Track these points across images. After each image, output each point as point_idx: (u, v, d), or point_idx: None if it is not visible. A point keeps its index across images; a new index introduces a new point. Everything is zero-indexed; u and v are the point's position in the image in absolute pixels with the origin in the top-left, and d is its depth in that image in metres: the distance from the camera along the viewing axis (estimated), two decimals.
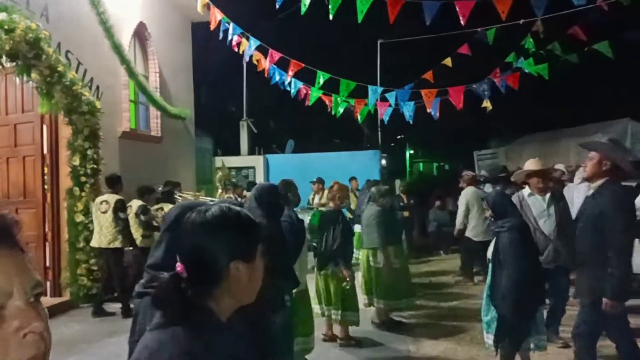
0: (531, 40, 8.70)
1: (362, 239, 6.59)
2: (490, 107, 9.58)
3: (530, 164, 5.28)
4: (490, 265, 4.56)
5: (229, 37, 9.26)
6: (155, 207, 7.84)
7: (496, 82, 9.32)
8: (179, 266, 1.34)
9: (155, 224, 7.37)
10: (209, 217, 1.36)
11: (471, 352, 5.37)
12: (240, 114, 14.66)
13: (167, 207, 7.47)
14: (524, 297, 4.15)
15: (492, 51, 9.21)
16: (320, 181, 10.94)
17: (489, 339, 4.64)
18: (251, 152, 14.28)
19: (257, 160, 13.53)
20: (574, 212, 4.75)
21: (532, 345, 4.40)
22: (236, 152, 14.06)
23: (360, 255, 6.94)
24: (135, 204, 7.55)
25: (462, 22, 6.48)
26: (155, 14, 11.04)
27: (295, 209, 4.90)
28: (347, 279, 5.51)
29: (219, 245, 1.33)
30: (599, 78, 8.98)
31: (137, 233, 7.44)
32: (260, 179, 13.20)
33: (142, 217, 7.38)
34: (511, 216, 4.34)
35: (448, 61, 9.45)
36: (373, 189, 6.63)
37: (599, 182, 3.86)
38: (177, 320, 1.25)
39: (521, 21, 8.67)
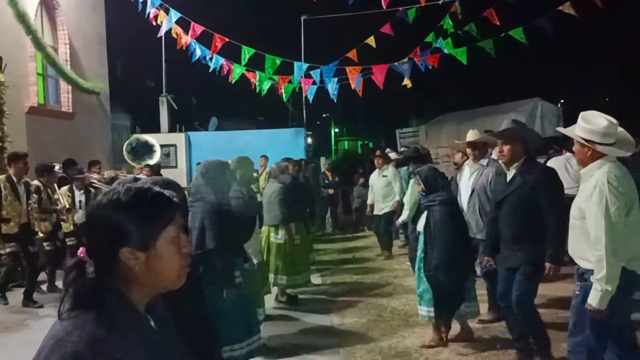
0: (449, 21, 8.96)
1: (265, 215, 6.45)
2: (410, 85, 9.79)
3: (469, 135, 5.50)
4: (421, 238, 4.71)
5: (147, 10, 8.83)
6: (65, 188, 7.41)
7: (416, 61, 9.52)
8: (81, 250, 1.27)
9: (55, 206, 6.94)
10: (103, 199, 1.27)
11: (392, 324, 5.53)
12: (160, 89, 14.08)
13: None
14: (456, 267, 4.35)
15: (413, 31, 9.41)
16: (266, 157, 10.98)
17: (423, 310, 4.82)
18: (172, 129, 13.79)
19: (178, 138, 13.07)
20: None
21: (464, 312, 4.63)
22: (156, 129, 13.52)
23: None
24: (35, 184, 7.08)
25: (383, 4, 6.53)
26: None
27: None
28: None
29: (105, 230, 1.23)
30: (513, 60, 9.43)
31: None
32: (181, 157, 12.81)
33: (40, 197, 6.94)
34: (442, 190, 4.52)
35: (372, 40, 9.56)
36: (273, 166, 6.66)
37: (520, 161, 4.04)
38: (84, 308, 1.17)
39: (440, 1, 8.91)
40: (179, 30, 9.40)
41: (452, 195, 4.60)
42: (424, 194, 4.65)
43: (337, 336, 5.27)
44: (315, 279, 7.43)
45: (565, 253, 3.61)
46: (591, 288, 2.98)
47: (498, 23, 8.28)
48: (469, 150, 5.49)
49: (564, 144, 7.14)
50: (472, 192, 5.36)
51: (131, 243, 1.23)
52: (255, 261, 4.81)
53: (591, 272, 3.02)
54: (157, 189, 1.33)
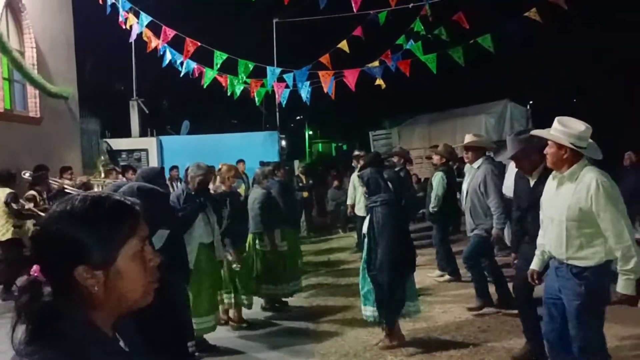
0: (420, 23, 9.06)
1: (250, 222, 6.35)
2: (384, 85, 9.87)
3: (465, 138, 5.86)
4: (365, 239, 4.76)
5: (117, 13, 8.69)
6: (30, 193, 7.25)
7: (388, 63, 9.60)
8: (34, 269, 1.10)
9: (27, 212, 6.82)
10: (56, 210, 1.13)
11: (368, 325, 5.55)
12: (130, 93, 13.87)
13: (5, 191, 6.95)
14: (397, 267, 4.43)
15: (384, 33, 9.49)
16: (243, 162, 11.07)
17: (367, 311, 4.86)
18: (143, 133, 13.60)
19: (149, 142, 12.90)
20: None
21: (405, 312, 4.70)
22: (126, 133, 13.33)
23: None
24: (2, 192, 6.92)
25: (354, 9, 6.58)
26: None
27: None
28: (235, 262, 5.47)
29: (57, 246, 1.09)
30: (482, 63, 9.60)
31: (7, 224, 6.85)
32: (153, 161, 12.65)
33: (13, 206, 6.80)
34: (383, 192, 4.58)
35: (344, 45, 9.60)
36: (257, 171, 6.53)
37: (539, 168, 4.08)
38: (43, 340, 1.02)
39: (410, 5, 9.01)
40: (149, 34, 9.28)
41: (393, 197, 4.64)
42: (367, 195, 4.75)
43: (312, 340, 5.27)
44: None
45: None
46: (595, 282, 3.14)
47: (467, 27, 8.40)
48: (464, 153, 5.81)
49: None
50: (467, 193, 5.69)
51: (87, 260, 1.09)
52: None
53: (592, 269, 3.15)
54: (116, 197, 1.18)
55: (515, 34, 7.51)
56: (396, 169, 7.87)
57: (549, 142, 3.31)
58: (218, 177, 5.82)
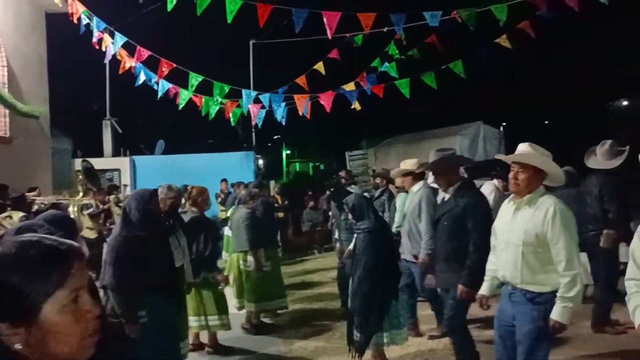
0: (394, 47, 9.19)
1: (232, 241, 6.47)
2: (360, 108, 9.94)
3: (402, 164, 5.69)
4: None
5: (93, 33, 8.60)
6: (4, 215, 7.03)
7: (363, 85, 9.70)
8: None
9: None
10: None
11: (340, 350, 5.48)
12: (104, 112, 13.70)
13: (18, 215, 6.72)
14: (374, 293, 4.36)
15: (360, 54, 9.60)
16: (226, 181, 11.08)
17: (356, 336, 4.80)
18: (116, 153, 13.41)
19: (122, 162, 12.71)
20: None
21: (386, 340, 4.59)
22: (99, 153, 13.12)
23: (228, 258, 6.84)
24: (15, 215, 6.70)
25: (329, 35, 6.63)
26: (1, 1, 9.93)
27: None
28: (222, 283, 5.45)
29: None
30: (456, 85, 9.77)
31: None
32: (126, 181, 12.46)
33: None
34: (368, 218, 4.53)
35: (320, 66, 9.67)
36: (242, 191, 6.57)
37: (455, 185, 4.21)
38: None
39: (385, 29, 9.13)
40: (124, 53, 9.20)
41: (376, 224, 4.57)
42: (353, 222, 4.72)
43: None
44: None
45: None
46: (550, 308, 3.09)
47: (440, 49, 8.55)
48: (401, 179, 5.64)
49: (507, 166, 7.39)
50: (404, 216, 5.60)
51: (6, 316, 0.99)
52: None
53: (547, 294, 3.13)
54: (47, 241, 1.05)
55: (487, 59, 7.68)
56: (380, 190, 7.84)
57: (520, 167, 3.27)
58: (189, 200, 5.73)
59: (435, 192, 5.39)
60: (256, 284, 6.25)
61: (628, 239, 6.26)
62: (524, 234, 3.20)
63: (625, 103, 26.06)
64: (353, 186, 7.11)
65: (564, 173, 3.44)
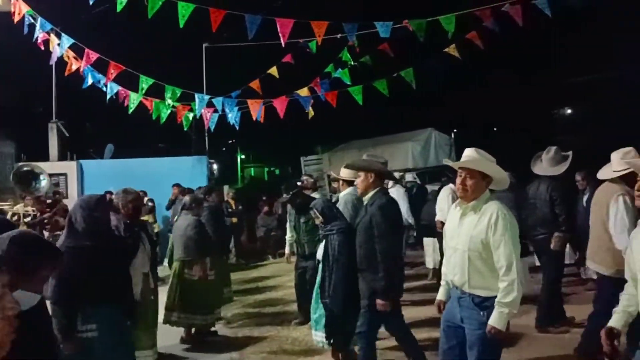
0: (347, 53, 9.29)
1: (175, 249, 6.18)
2: (313, 114, 9.98)
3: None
4: (320, 265, 4.75)
5: (36, 34, 8.30)
6: None
7: (317, 90, 9.75)
8: None
9: None
10: None
11: (292, 356, 5.48)
12: (50, 115, 13.21)
13: None
14: (353, 293, 4.38)
15: (314, 60, 9.64)
16: (179, 186, 10.86)
17: (317, 336, 4.84)
18: (62, 157, 12.94)
19: (69, 167, 12.26)
20: None
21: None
22: (44, 157, 12.63)
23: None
24: None
25: (282, 42, 6.64)
26: None
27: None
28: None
29: None
30: (408, 93, 9.96)
31: None
32: (73, 186, 12.04)
33: None
34: (339, 219, 4.64)
35: (274, 71, 9.66)
36: (187, 197, 6.38)
37: (371, 193, 4.27)
38: None
39: (338, 36, 9.21)
40: (71, 55, 8.92)
41: (348, 224, 4.68)
42: (322, 225, 4.73)
43: None
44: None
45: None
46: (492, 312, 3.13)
47: (393, 56, 8.70)
48: (339, 184, 5.65)
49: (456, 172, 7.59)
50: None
51: None
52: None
53: (493, 299, 3.15)
54: None
55: (437, 67, 7.87)
56: (337, 195, 7.86)
57: (467, 173, 3.30)
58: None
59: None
60: (199, 295, 5.98)
61: (572, 242, 6.59)
62: (470, 240, 3.24)
63: (568, 111, 27.24)
64: (314, 193, 7.06)
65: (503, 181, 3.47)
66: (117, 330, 3.65)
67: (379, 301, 4.06)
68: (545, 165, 5.60)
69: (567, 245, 6.14)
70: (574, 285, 7.31)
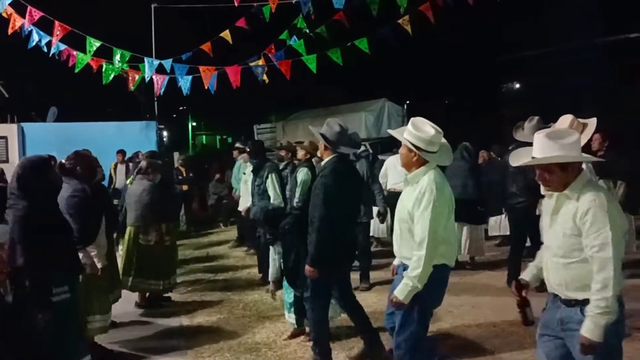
0: (303, 20, 9.20)
1: (129, 215, 6.07)
2: (267, 81, 9.85)
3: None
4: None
5: None
6: None
7: (271, 58, 9.61)
8: None
9: None
10: None
11: (243, 320, 5.58)
12: None
13: None
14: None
15: (268, 27, 9.50)
16: (122, 152, 10.69)
17: (291, 318, 4.91)
18: (2, 119, 12.34)
19: (9, 130, 11.69)
20: None
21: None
22: None
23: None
24: None
25: (235, 2, 6.51)
26: None
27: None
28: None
29: None
30: (361, 63, 9.98)
31: None
32: (14, 150, 11.52)
33: None
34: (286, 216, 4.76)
35: (227, 34, 9.44)
36: (142, 162, 6.25)
37: (324, 161, 4.19)
38: None
39: (293, 1, 9.11)
40: (12, 12, 8.42)
41: (299, 208, 4.71)
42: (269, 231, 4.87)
43: (186, 337, 5.19)
44: None
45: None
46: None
47: (348, 26, 8.69)
48: (302, 152, 5.73)
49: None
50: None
51: None
52: (99, 266, 4.49)
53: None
54: None
55: (390, 38, 7.94)
56: (284, 163, 7.84)
57: (402, 143, 3.37)
58: None
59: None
60: (155, 260, 5.92)
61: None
62: (402, 210, 3.34)
63: (516, 85, 28.01)
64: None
65: (448, 150, 3.51)
66: (76, 294, 3.64)
67: (306, 267, 4.05)
68: (528, 132, 5.58)
69: None
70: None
